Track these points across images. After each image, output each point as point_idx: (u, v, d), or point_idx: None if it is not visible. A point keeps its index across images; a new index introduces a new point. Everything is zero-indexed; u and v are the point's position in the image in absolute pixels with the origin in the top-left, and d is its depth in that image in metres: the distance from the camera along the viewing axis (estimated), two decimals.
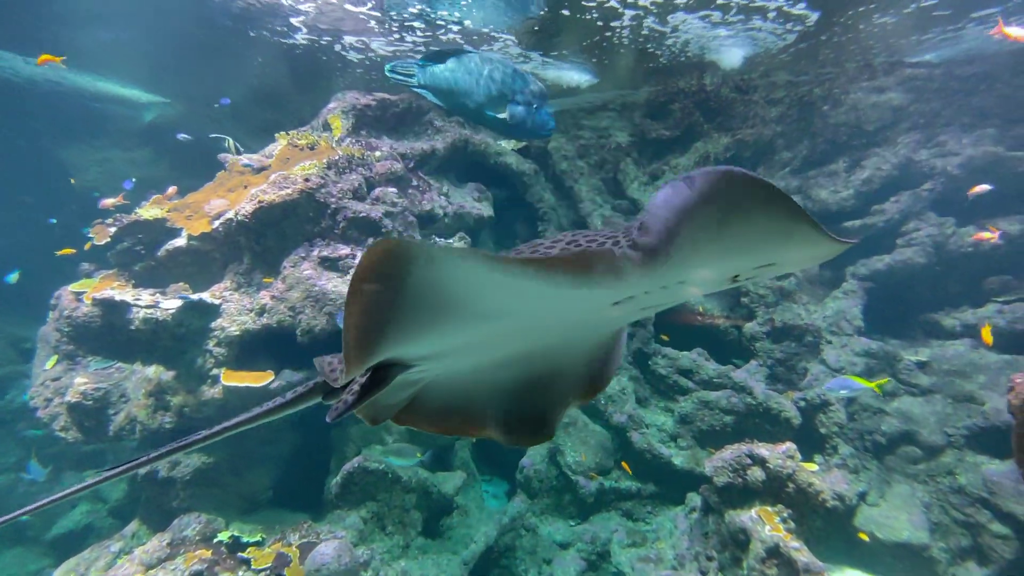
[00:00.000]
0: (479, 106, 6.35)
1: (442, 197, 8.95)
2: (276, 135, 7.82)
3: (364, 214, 7.44)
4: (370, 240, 7.55)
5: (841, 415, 7.86)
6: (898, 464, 7.67)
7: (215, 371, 6.55)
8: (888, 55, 9.58)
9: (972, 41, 9.01)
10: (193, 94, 10.20)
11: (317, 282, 6.95)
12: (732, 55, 9.62)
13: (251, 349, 6.80)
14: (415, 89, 6.76)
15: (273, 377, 6.80)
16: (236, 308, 6.78)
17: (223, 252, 7.03)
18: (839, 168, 9.78)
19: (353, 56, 10.01)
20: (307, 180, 7.16)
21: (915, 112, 9.61)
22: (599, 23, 8.35)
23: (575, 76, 10.77)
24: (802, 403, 8.07)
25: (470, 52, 6.34)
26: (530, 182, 10.50)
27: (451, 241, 8.48)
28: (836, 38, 8.68)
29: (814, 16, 8.13)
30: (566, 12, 8.22)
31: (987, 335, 5.41)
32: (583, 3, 7.71)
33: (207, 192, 7.29)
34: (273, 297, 6.85)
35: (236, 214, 6.76)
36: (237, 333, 6.65)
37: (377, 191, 7.88)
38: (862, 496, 7.46)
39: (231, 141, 7.81)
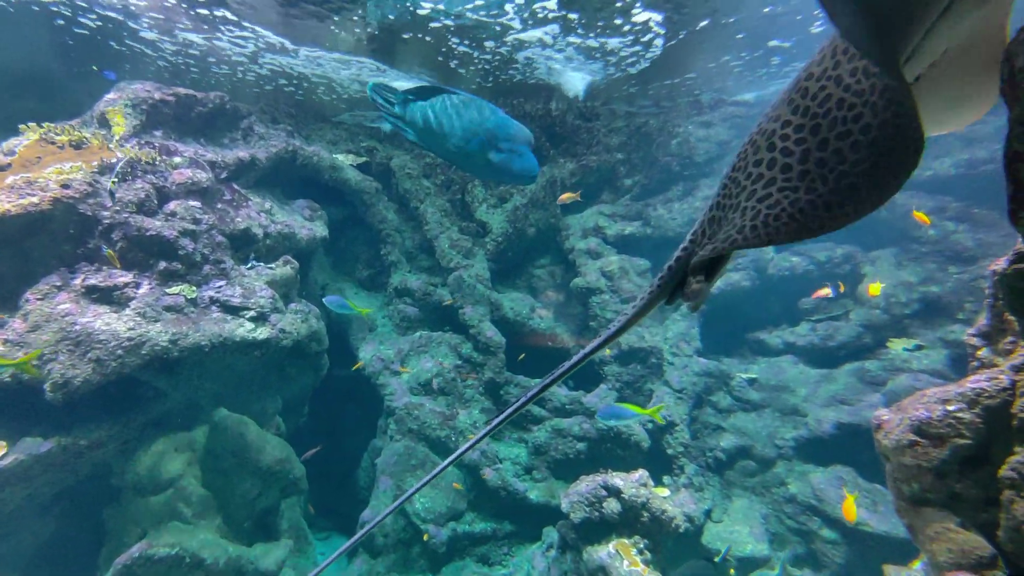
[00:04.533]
0: (457, 149, 5.71)
1: (263, 215, 7.64)
2: (21, 127, 5.97)
3: (153, 232, 5.96)
4: (162, 264, 6.04)
5: (686, 435, 8.01)
6: (737, 478, 7.98)
7: None
8: (714, 92, 10.38)
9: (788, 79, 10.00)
10: None
11: (79, 319, 5.32)
12: (575, 82, 9.70)
13: None
14: (392, 120, 5.95)
15: (6, 450, 4.99)
16: None
17: None
18: (674, 196, 10.29)
19: (152, 40, 8.31)
20: (66, 187, 5.52)
21: (737, 147, 10.46)
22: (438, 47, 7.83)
23: None
24: (649, 425, 8.11)
25: (455, 92, 5.65)
26: (371, 201, 9.55)
27: (273, 266, 7.21)
28: (670, 66, 9.08)
29: (651, 55, 8.41)
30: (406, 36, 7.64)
31: (849, 511, 6.16)
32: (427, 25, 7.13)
33: None
34: (7, 341, 5.07)
35: None
36: None
37: (173, 204, 6.40)
38: (707, 514, 7.63)
39: None
